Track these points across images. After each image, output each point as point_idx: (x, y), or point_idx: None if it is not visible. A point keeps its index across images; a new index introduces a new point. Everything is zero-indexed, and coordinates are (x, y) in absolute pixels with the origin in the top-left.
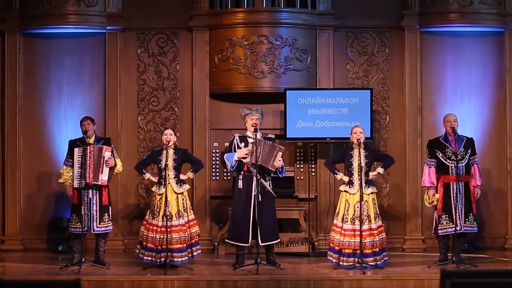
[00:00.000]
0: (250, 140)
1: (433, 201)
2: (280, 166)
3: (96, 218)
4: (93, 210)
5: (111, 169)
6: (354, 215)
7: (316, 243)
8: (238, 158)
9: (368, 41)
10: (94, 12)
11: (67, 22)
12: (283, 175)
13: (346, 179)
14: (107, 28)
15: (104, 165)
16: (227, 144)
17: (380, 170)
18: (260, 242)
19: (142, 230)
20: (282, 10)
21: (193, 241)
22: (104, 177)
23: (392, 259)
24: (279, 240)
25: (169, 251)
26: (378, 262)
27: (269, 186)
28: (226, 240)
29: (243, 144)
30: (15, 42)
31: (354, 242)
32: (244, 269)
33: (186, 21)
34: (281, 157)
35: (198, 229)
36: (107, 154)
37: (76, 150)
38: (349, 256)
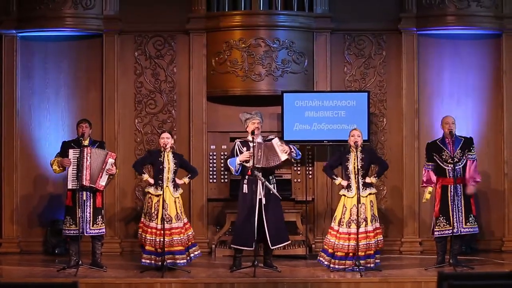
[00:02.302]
0: (252, 144)
1: (425, 196)
2: (289, 151)
3: (90, 220)
4: (86, 212)
5: (110, 176)
6: (350, 218)
7: (313, 245)
8: (240, 161)
9: (365, 43)
10: (91, 15)
11: (64, 24)
12: (300, 156)
13: (344, 183)
14: (104, 30)
15: (105, 171)
16: (224, 147)
17: (373, 179)
18: (270, 245)
19: (140, 232)
20: (279, 13)
21: (190, 243)
22: (102, 182)
23: (389, 262)
24: (289, 242)
25: (170, 253)
26: (371, 265)
27: (274, 188)
28: (231, 245)
29: (245, 148)
30: (12, 45)
31: (348, 245)
32: (241, 271)
33: (183, 24)
34: (281, 143)
35: (192, 231)
36: (110, 161)
37: (71, 151)
38: (341, 259)
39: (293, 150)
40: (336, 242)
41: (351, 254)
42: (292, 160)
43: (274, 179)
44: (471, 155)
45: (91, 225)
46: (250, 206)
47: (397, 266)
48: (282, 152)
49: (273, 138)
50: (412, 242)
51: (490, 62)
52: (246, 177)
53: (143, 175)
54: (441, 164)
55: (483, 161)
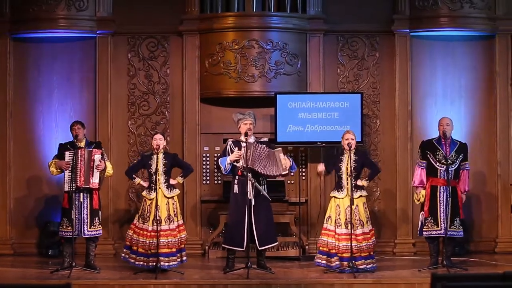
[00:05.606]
0: (244, 145)
1: (420, 198)
2: (289, 165)
3: (87, 222)
4: (83, 214)
5: (102, 172)
6: (346, 219)
7: (306, 247)
8: (230, 161)
9: (359, 45)
10: (84, 16)
11: (58, 26)
12: (295, 169)
13: (320, 167)
14: (98, 32)
15: (95, 169)
16: (217, 149)
17: (364, 182)
18: (258, 246)
19: (131, 234)
20: (273, 15)
21: (182, 245)
22: (95, 180)
23: (382, 263)
24: (277, 243)
25: (157, 256)
26: (359, 267)
27: (264, 190)
28: (223, 245)
29: (236, 148)
30: (5, 47)
31: (339, 245)
32: (234, 273)
33: (176, 26)
34: (285, 157)
35: (186, 234)
36: (96, 157)
37: (67, 153)
38: (329, 256)
39: (291, 163)
40: (337, 244)
41: (338, 254)
42: (290, 174)
43: (265, 180)
44: (467, 164)
45: (88, 226)
46: (241, 207)
47: (390, 267)
48: (283, 168)
49: (266, 140)
50: (405, 244)
51: (483, 64)
52: (237, 177)
53: (134, 179)
54: (434, 164)
55: (477, 162)
